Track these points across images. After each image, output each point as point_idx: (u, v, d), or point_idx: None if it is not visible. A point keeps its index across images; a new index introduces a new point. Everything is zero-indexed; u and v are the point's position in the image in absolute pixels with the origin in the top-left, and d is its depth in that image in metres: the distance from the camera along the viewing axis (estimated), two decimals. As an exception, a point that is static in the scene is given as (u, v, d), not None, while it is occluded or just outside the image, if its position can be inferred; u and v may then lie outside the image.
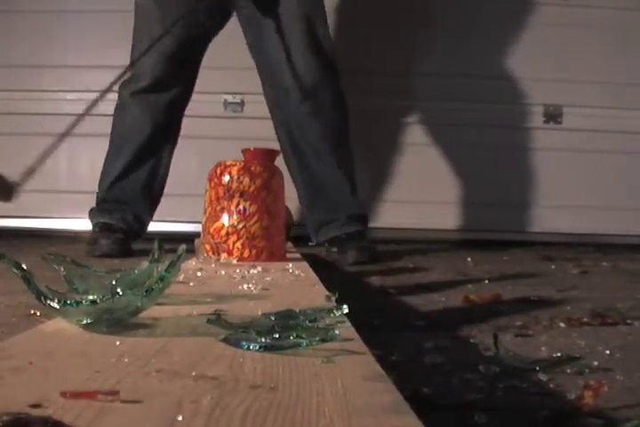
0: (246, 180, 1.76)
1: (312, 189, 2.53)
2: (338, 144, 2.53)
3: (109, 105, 2.52)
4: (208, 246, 1.72)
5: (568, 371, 0.95)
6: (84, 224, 2.74)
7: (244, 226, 1.75)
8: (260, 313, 0.87)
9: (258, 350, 0.68)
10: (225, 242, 1.74)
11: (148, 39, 2.32)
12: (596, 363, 1.00)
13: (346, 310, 0.86)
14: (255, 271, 1.44)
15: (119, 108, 2.55)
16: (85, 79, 3.07)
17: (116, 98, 2.52)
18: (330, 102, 2.49)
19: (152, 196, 2.57)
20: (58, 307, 0.77)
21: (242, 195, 1.75)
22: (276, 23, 2.42)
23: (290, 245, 2.26)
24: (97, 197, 2.57)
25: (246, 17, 2.49)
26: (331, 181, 2.51)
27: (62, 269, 0.96)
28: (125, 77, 2.37)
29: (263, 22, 2.43)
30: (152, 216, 2.61)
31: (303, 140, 2.49)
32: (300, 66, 2.43)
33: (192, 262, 1.61)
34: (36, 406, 0.49)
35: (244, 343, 0.69)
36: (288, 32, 2.42)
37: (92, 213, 2.55)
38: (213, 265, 1.56)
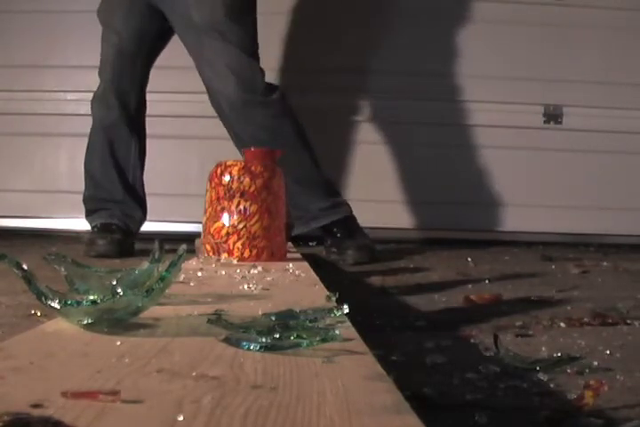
0: (247, 180, 1.76)
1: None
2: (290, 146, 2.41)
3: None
4: (209, 246, 1.72)
5: (568, 371, 0.96)
6: (84, 224, 2.73)
7: (245, 226, 1.75)
8: (260, 313, 0.87)
9: (258, 350, 0.68)
10: (225, 242, 1.74)
11: (108, 45, 2.54)
12: (596, 363, 1.00)
13: (346, 310, 0.86)
14: (255, 271, 1.45)
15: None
16: (87, 79, 3.05)
17: None
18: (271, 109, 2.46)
19: (137, 195, 2.55)
20: (58, 307, 0.77)
21: (242, 195, 1.75)
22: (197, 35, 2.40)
23: (290, 245, 2.26)
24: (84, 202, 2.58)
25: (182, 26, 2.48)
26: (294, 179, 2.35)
27: (63, 270, 0.96)
28: None
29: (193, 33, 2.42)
30: (145, 215, 2.58)
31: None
32: (222, 80, 2.43)
33: (192, 262, 1.61)
34: (36, 406, 0.49)
35: (244, 343, 0.69)
36: (200, 46, 2.41)
37: (91, 217, 2.55)
38: (214, 265, 1.56)
